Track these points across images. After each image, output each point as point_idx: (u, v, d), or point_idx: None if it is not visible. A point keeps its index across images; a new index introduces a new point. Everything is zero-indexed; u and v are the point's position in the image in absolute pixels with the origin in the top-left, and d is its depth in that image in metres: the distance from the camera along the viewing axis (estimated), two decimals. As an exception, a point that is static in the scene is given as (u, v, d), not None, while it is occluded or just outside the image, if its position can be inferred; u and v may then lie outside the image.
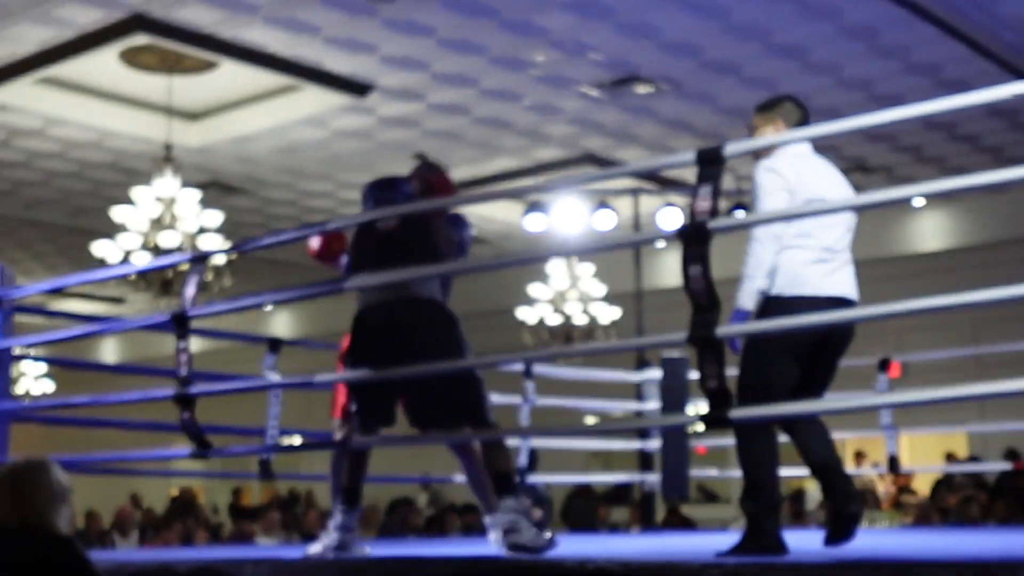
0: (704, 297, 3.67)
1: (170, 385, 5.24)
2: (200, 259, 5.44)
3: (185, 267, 9.77)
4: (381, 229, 4.98)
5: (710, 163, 3.79)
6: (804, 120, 4.67)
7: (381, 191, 5.12)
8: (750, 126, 4.74)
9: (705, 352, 3.67)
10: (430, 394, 4.79)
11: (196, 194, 10.64)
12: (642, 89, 10.84)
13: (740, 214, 11.70)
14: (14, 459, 4.19)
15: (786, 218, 4.27)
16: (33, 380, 19.50)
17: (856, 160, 13.13)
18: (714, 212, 3.71)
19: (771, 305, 4.41)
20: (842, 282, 4.49)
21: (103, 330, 6.69)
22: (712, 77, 10.61)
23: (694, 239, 3.71)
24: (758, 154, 4.52)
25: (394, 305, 4.80)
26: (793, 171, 4.45)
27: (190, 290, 5.20)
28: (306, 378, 5.01)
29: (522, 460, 8.25)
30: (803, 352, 4.45)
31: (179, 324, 5.15)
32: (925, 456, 14.52)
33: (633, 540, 8.47)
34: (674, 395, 8.30)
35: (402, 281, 4.78)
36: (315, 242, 5.43)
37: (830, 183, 4.58)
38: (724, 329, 3.73)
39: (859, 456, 14.94)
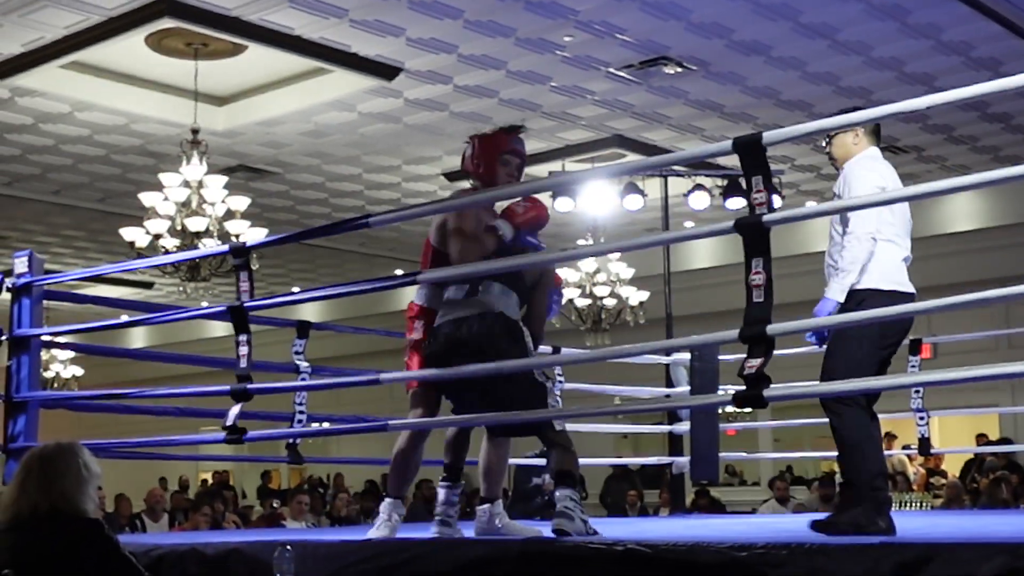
0: (763, 291, 3.63)
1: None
2: (243, 251, 5.34)
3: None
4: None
5: (753, 150, 3.73)
6: (877, 129, 4.89)
7: None
8: (828, 135, 4.89)
9: (754, 349, 3.62)
10: (501, 406, 4.74)
11: (223, 179, 10.65)
12: (671, 70, 10.78)
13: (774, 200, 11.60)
14: (44, 443, 4.20)
15: (849, 209, 4.39)
16: (62, 365, 19.59)
17: (887, 140, 13.03)
18: (770, 201, 3.67)
19: (866, 297, 4.57)
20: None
21: (156, 319, 6.67)
22: (741, 57, 10.54)
23: (754, 232, 3.67)
24: (833, 158, 4.88)
25: (464, 320, 4.74)
26: (887, 171, 4.75)
27: (244, 283, 5.14)
28: (372, 375, 4.96)
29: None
30: (890, 345, 4.69)
31: (237, 316, 5.07)
32: (958, 438, 14.45)
33: (662, 522, 8.46)
34: (704, 378, 8.27)
35: (477, 295, 4.75)
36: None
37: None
38: (776, 327, 3.66)
39: (890, 438, 14.87)
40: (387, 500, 5.01)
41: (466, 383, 4.76)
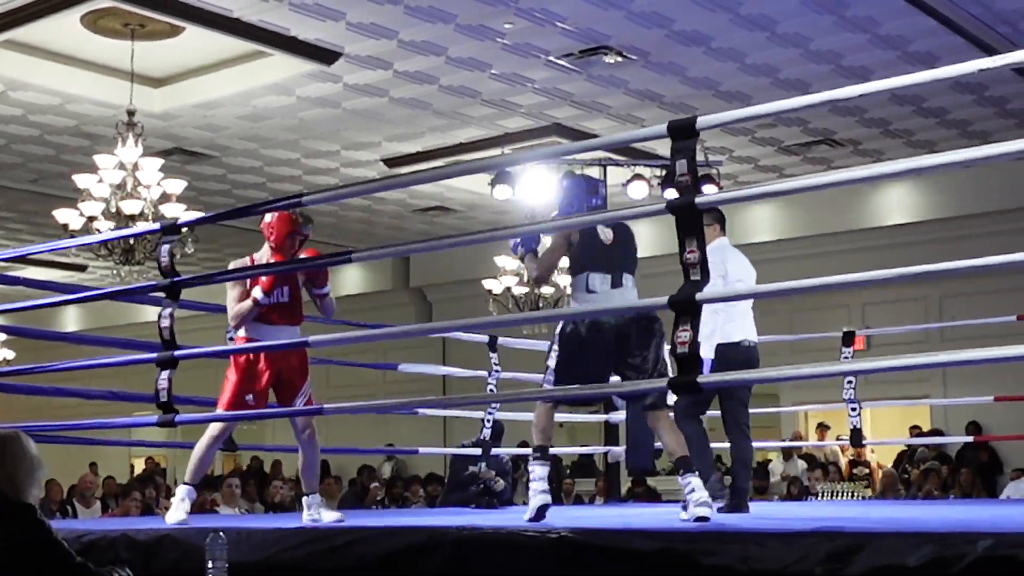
0: (698, 269, 3.68)
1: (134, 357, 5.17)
2: (172, 229, 5.41)
3: (150, 235, 9.66)
4: (604, 240, 5.35)
5: (684, 135, 3.77)
6: (723, 219, 6.13)
7: (589, 195, 5.43)
8: None
9: (682, 316, 3.67)
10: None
11: (159, 161, 10.53)
12: (611, 59, 10.79)
13: (709, 188, 11.65)
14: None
15: None
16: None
17: (823, 133, 13.15)
18: (694, 183, 3.73)
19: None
20: None
21: (86, 297, 6.55)
22: (681, 48, 10.57)
23: (686, 214, 3.72)
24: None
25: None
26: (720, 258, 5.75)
27: (164, 258, 5.20)
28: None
29: (486, 432, 8.24)
30: None
31: (170, 293, 5.19)
32: (892, 429, 14.63)
33: (596, 511, 8.49)
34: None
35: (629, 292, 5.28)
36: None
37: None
38: (704, 293, 3.72)
39: (823, 428, 15.02)
40: (186, 487, 5.66)
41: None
